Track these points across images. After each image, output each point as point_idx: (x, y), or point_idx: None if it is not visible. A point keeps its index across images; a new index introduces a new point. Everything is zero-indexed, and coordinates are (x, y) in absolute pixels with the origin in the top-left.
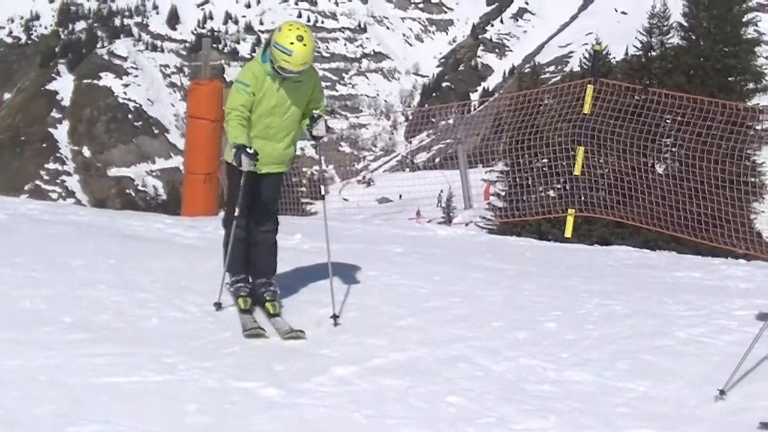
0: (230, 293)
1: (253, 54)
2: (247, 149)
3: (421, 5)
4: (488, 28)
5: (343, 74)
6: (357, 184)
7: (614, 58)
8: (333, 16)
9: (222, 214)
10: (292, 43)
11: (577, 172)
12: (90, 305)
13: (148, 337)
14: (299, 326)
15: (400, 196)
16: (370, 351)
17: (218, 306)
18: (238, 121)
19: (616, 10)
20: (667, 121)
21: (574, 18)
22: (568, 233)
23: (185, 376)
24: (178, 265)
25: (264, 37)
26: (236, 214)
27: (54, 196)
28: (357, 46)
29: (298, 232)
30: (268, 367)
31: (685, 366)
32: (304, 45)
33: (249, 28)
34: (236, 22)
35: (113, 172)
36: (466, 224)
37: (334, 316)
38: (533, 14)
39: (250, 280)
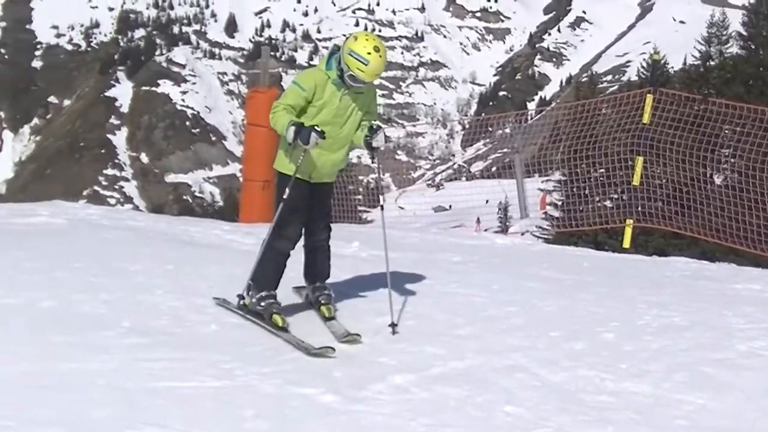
0: (254, 309)
1: (311, 62)
2: (308, 127)
3: (478, 14)
4: (545, 37)
5: (400, 83)
6: (427, 187)
7: (672, 67)
8: (390, 24)
9: (269, 230)
10: (369, 53)
11: (635, 182)
12: (148, 310)
13: (205, 342)
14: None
15: (450, 206)
16: (427, 359)
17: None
18: (285, 110)
19: (674, 20)
20: (726, 131)
21: (631, 27)
22: (626, 244)
23: (243, 382)
24: (235, 271)
25: (322, 45)
26: (289, 226)
27: (112, 201)
28: (414, 55)
29: (356, 240)
30: (326, 373)
31: (745, 379)
32: (380, 56)
33: (306, 37)
34: (294, 31)
35: (171, 178)
36: (522, 234)
37: (392, 324)
38: (590, 23)
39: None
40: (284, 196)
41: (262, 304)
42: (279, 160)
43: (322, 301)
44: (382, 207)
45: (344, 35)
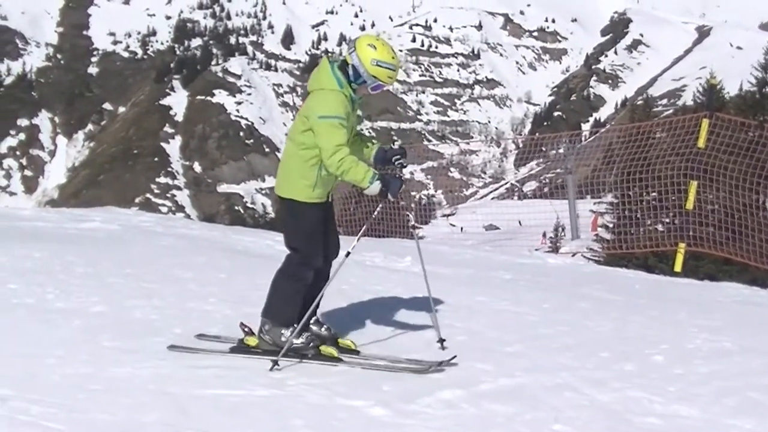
0: (299, 350)
1: None
2: (389, 176)
3: (535, 33)
4: (602, 58)
5: (456, 100)
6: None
7: (728, 93)
8: (447, 41)
9: (290, 261)
10: (393, 58)
11: (689, 206)
12: (199, 318)
13: (255, 351)
14: (407, 349)
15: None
16: (477, 375)
17: (275, 364)
18: (352, 158)
19: (731, 45)
20: None
21: (688, 51)
22: (677, 268)
23: (292, 392)
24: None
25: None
26: (317, 253)
27: (164, 209)
28: (470, 72)
29: (408, 255)
30: (375, 386)
31: None
32: (394, 57)
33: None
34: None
35: (223, 188)
36: (573, 254)
37: (441, 340)
38: (648, 46)
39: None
40: (303, 224)
41: (307, 342)
42: (296, 188)
43: (337, 335)
44: (414, 231)
45: (400, 50)
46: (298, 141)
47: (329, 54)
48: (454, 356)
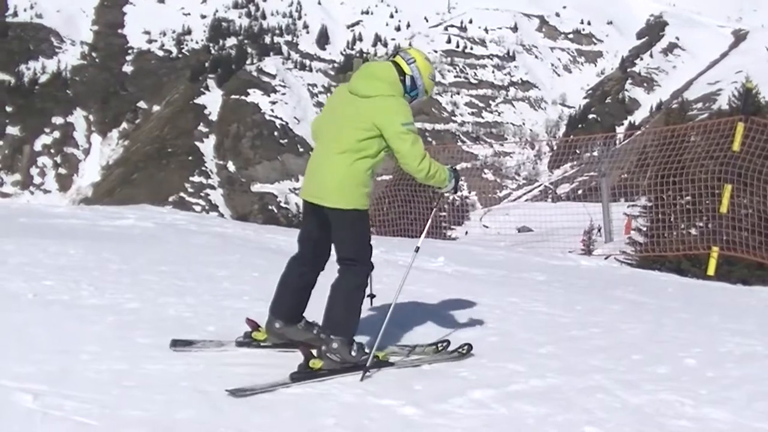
0: (353, 361)
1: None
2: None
3: (570, 36)
4: (637, 61)
5: (490, 101)
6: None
7: (764, 97)
8: (482, 42)
9: (354, 273)
10: (431, 72)
11: (723, 210)
12: (233, 316)
13: (289, 350)
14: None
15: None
16: (508, 376)
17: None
18: (433, 161)
19: (767, 49)
20: None
21: (724, 55)
22: (710, 271)
23: (324, 390)
24: (320, 280)
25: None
26: (370, 261)
27: (197, 208)
28: (505, 74)
29: (442, 255)
30: (407, 386)
31: None
32: None
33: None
34: (385, 45)
35: (257, 188)
36: (606, 257)
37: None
38: (683, 50)
39: None
40: (365, 232)
41: (359, 350)
42: (357, 197)
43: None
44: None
45: (434, 51)
46: (355, 149)
47: (366, 54)
48: (467, 344)
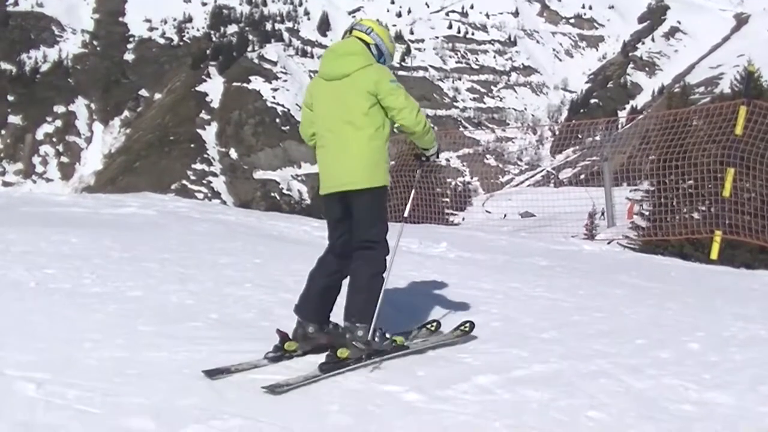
0: (380, 348)
1: (403, 63)
2: None
3: (572, 20)
4: (639, 46)
5: (492, 87)
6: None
7: (766, 81)
8: (483, 28)
9: (377, 255)
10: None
11: (726, 193)
12: (235, 303)
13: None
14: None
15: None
16: (512, 361)
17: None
18: None
19: None
20: None
21: (726, 39)
22: (713, 255)
23: (328, 377)
24: None
25: (414, 46)
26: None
27: (200, 196)
28: (506, 59)
29: (444, 241)
30: (411, 372)
31: None
32: None
33: (399, 38)
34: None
35: (259, 174)
36: (609, 242)
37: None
38: (685, 34)
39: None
40: (385, 209)
41: (379, 339)
42: (381, 173)
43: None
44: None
45: (436, 37)
46: (366, 124)
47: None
48: (469, 321)
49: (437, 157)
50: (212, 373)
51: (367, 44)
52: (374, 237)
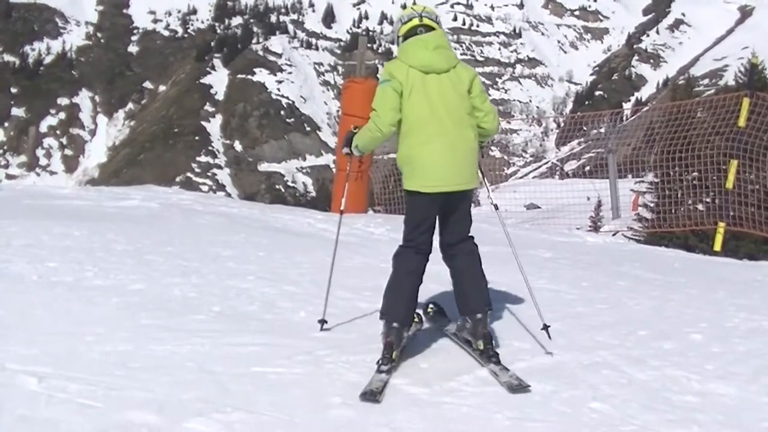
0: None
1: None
2: None
3: (577, 13)
4: (644, 38)
5: (497, 79)
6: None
7: None
8: (488, 20)
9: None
10: None
11: (729, 185)
12: (238, 295)
13: (294, 329)
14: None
15: (531, 205)
16: (514, 353)
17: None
18: None
19: None
20: None
21: (730, 32)
22: (717, 247)
23: (331, 369)
24: (327, 259)
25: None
26: None
27: (204, 188)
28: (511, 51)
29: None
30: (414, 364)
31: None
32: None
33: None
34: (391, 23)
35: (264, 167)
36: (613, 234)
37: (545, 326)
38: (689, 26)
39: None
40: None
41: None
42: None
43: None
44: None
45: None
46: (471, 122)
47: (372, 33)
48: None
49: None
50: (367, 396)
51: None
52: (470, 232)
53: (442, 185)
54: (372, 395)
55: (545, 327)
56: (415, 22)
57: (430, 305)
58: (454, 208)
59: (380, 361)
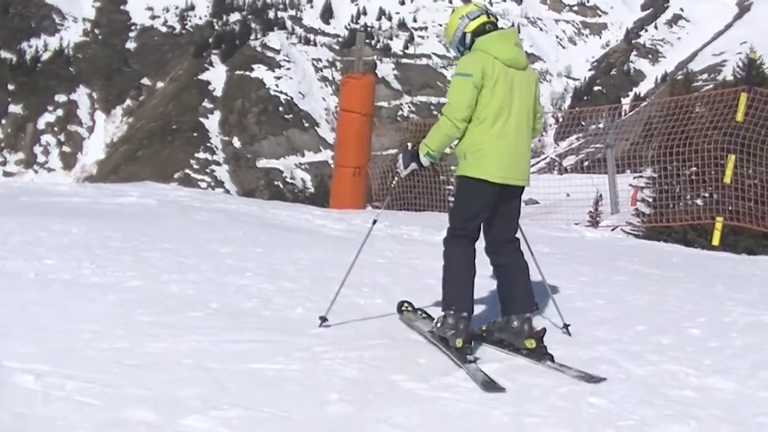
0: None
1: (406, 51)
2: None
3: (575, 8)
4: (642, 33)
5: None
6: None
7: None
8: None
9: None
10: None
11: (727, 180)
12: (236, 292)
13: (292, 325)
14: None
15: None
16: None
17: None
18: None
19: None
20: None
21: (728, 26)
22: (715, 242)
23: (328, 366)
24: (325, 256)
25: (417, 34)
26: None
27: (203, 185)
28: None
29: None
30: (412, 360)
31: None
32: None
33: (402, 25)
34: (390, 19)
35: (262, 163)
36: (612, 229)
37: (566, 326)
38: (688, 21)
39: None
40: None
41: None
42: None
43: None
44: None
45: (440, 25)
46: (531, 123)
47: (370, 29)
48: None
49: None
50: (488, 387)
51: None
52: (517, 233)
53: (507, 177)
54: (493, 384)
55: (565, 326)
56: (484, 18)
57: (406, 304)
58: (508, 203)
59: (466, 353)
